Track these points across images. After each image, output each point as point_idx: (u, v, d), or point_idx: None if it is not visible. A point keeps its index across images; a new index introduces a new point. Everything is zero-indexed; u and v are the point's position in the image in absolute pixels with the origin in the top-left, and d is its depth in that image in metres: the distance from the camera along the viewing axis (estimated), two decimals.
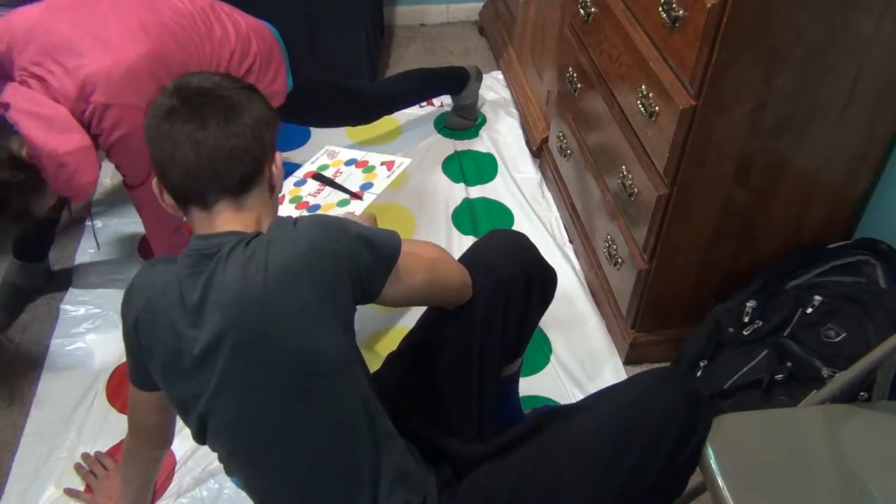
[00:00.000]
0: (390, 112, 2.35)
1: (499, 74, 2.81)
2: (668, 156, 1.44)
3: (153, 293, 1.04)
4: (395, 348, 1.36)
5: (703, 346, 1.62)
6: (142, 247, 2.13)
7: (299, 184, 1.91)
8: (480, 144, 2.52)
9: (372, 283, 1.06)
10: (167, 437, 1.29)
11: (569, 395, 1.76)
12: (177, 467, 1.61)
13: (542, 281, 1.32)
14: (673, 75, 1.41)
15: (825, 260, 1.59)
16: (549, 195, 2.31)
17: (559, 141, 2.11)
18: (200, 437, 1.10)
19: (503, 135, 2.57)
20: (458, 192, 2.32)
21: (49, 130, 1.43)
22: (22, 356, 1.85)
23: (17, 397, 1.76)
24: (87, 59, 1.46)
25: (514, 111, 2.64)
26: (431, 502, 1.11)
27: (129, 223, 2.17)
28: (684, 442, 1.09)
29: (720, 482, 1.08)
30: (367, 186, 1.86)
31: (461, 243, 2.13)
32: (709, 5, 1.25)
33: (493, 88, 2.76)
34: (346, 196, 1.84)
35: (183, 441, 1.56)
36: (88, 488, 1.57)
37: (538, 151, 2.39)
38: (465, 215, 2.24)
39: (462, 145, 2.51)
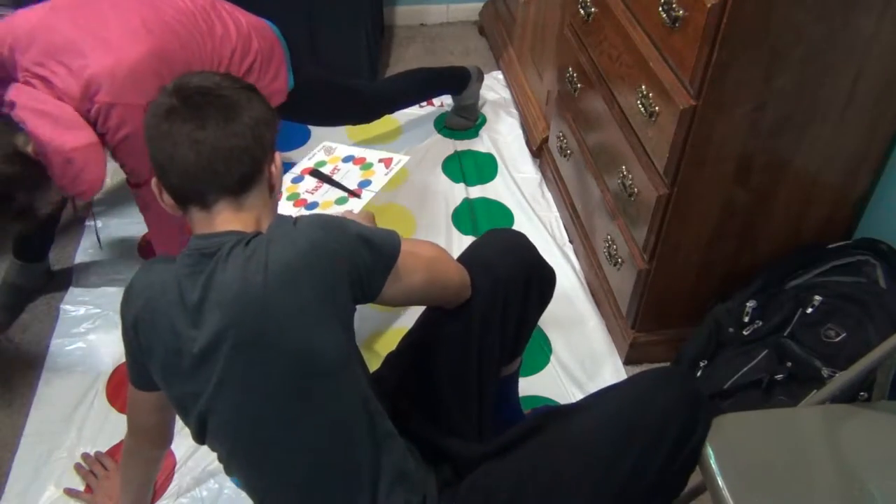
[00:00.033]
0: (391, 111, 2.35)
1: (499, 74, 2.81)
2: (668, 156, 1.43)
3: (152, 293, 1.04)
4: (394, 348, 1.36)
5: (703, 346, 1.62)
6: (142, 247, 2.13)
7: (297, 180, 1.90)
8: (480, 144, 2.52)
9: (371, 282, 1.06)
10: (167, 436, 1.29)
11: (569, 395, 1.76)
12: (177, 467, 1.61)
13: (540, 280, 1.32)
14: (673, 75, 1.41)
15: (825, 260, 1.59)
16: (549, 195, 2.31)
17: (559, 141, 2.11)
18: (200, 437, 1.10)
19: (503, 135, 2.57)
20: (458, 192, 2.32)
21: (56, 127, 1.44)
22: (22, 356, 1.85)
23: (17, 397, 1.76)
24: (90, 60, 1.46)
25: (514, 111, 2.64)
26: (431, 502, 1.11)
27: (130, 223, 2.17)
28: (684, 442, 1.09)
29: (720, 482, 1.08)
30: (365, 184, 1.85)
31: (461, 243, 2.13)
32: (709, 5, 1.25)
33: (494, 88, 2.76)
34: (344, 194, 1.83)
35: (183, 441, 1.56)
36: (88, 488, 1.57)
37: (538, 151, 2.39)
38: (465, 215, 2.24)
39: (462, 145, 2.51)
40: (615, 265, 1.77)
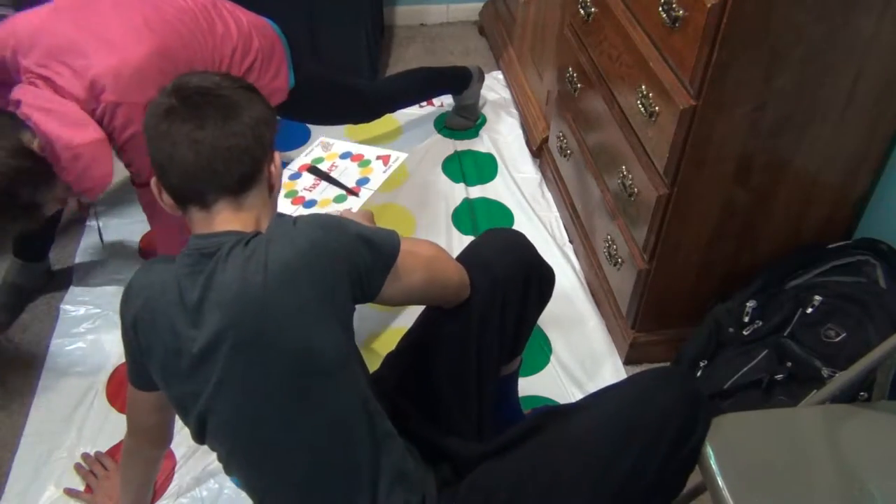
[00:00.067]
0: (391, 110, 2.35)
1: (499, 74, 2.81)
2: (668, 156, 1.43)
3: (152, 293, 1.04)
4: (393, 348, 1.36)
5: (703, 346, 1.62)
6: (142, 248, 2.13)
7: (294, 177, 1.89)
8: (480, 144, 2.52)
9: (371, 282, 1.06)
10: (166, 436, 1.30)
11: (569, 394, 1.76)
12: (177, 467, 1.61)
13: (539, 279, 1.32)
14: (673, 75, 1.41)
15: (825, 260, 1.58)
16: (549, 195, 2.31)
17: (559, 141, 2.11)
18: (199, 437, 1.10)
19: (503, 135, 2.57)
20: (458, 192, 2.32)
21: (63, 124, 1.44)
22: (22, 356, 1.85)
23: (16, 397, 1.76)
24: (93, 60, 1.46)
25: (514, 111, 2.64)
26: (431, 501, 1.11)
27: (130, 223, 2.17)
28: (683, 441, 1.09)
29: (720, 482, 1.08)
30: (363, 182, 1.85)
31: (461, 243, 2.13)
32: (709, 5, 1.25)
33: (494, 88, 2.76)
34: (343, 192, 1.83)
35: (183, 441, 1.56)
36: (88, 488, 1.57)
37: (538, 151, 2.39)
38: (465, 215, 2.24)
39: (462, 145, 2.51)
40: (615, 265, 1.77)
